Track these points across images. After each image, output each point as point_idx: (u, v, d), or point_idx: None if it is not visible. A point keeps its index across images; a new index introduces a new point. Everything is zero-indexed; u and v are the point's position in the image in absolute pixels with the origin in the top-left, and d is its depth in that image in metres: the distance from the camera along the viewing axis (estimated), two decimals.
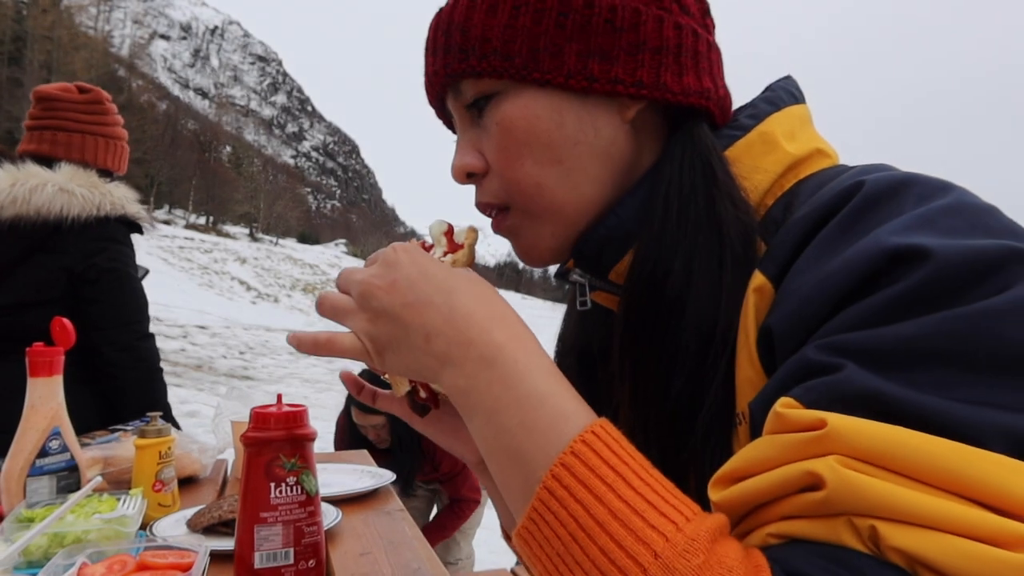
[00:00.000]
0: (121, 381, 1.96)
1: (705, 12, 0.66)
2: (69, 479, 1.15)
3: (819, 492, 0.40)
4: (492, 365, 0.51)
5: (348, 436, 2.97)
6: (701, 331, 0.57)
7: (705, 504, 0.48)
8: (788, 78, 0.68)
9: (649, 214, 0.61)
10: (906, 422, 0.39)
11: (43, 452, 1.13)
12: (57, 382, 1.16)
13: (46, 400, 1.14)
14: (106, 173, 2.10)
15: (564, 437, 0.46)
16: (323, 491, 0.94)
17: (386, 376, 0.63)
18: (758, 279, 0.53)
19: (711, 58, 0.64)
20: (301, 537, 0.86)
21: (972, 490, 0.38)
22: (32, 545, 0.91)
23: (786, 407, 0.43)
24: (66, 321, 1.21)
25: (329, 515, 1.21)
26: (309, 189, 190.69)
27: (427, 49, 0.66)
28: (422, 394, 0.65)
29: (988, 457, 0.38)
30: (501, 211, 0.66)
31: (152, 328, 2.08)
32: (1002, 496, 0.37)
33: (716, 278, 0.56)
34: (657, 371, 0.59)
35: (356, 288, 0.57)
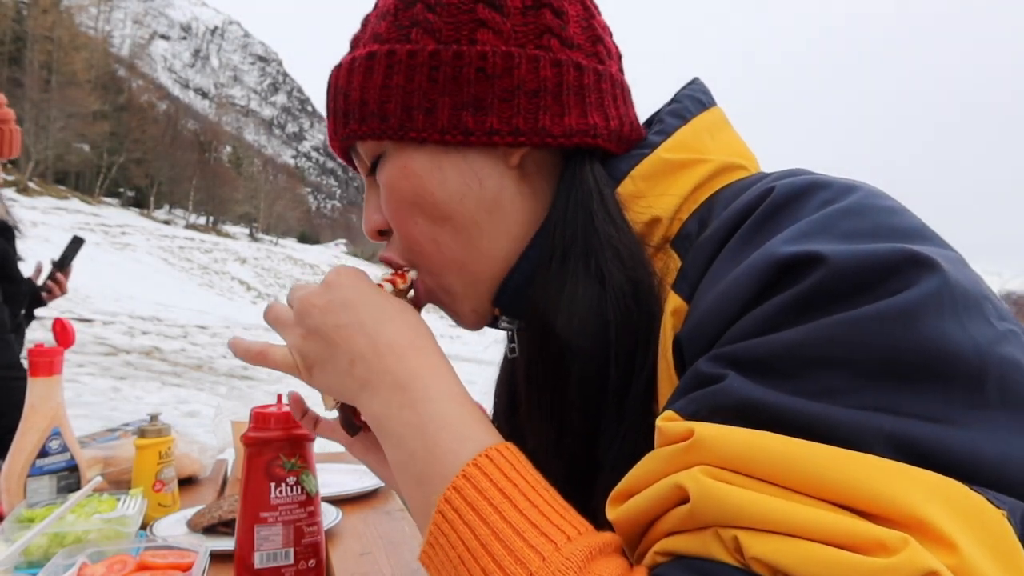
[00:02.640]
0: None
1: (595, 40, 0.62)
2: (69, 479, 1.15)
3: (687, 505, 0.39)
4: (404, 390, 0.52)
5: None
6: (591, 381, 0.56)
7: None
8: (695, 82, 0.66)
9: (540, 264, 0.60)
10: (784, 430, 0.38)
11: (43, 452, 1.13)
12: (57, 382, 1.16)
13: (46, 400, 1.14)
14: None
15: (461, 460, 0.47)
16: (323, 491, 0.94)
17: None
18: (674, 301, 0.52)
19: (600, 88, 0.61)
20: (301, 537, 0.86)
21: (837, 494, 0.37)
22: (32, 545, 0.91)
23: (665, 420, 0.43)
24: (66, 321, 1.21)
25: (329, 515, 1.21)
26: (309, 189, 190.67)
27: (326, 111, 0.66)
28: (363, 416, 0.63)
29: (857, 459, 0.37)
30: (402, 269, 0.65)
31: (152, 328, 2.06)
32: (869, 499, 0.36)
33: (601, 329, 0.55)
34: (552, 420, 0.59)
35: (297, 303, 0.58)
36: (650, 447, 0.54)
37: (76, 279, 2.55)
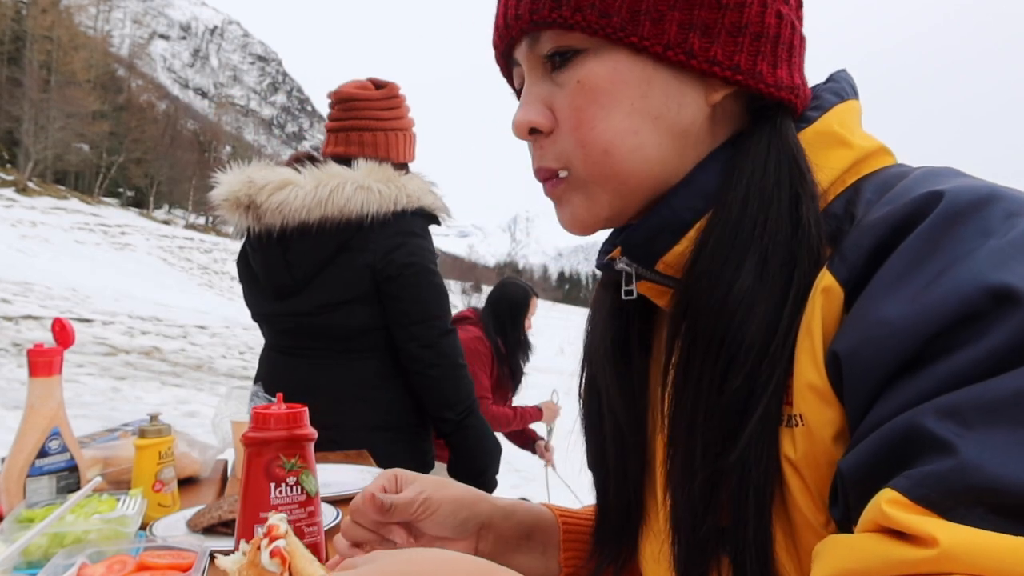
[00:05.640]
0: (424, 377, 1.93)
1: (800, 3, 0.63)
2: (69, 479, 1.15)
3: None
4: None
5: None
6: (765, 331, 0.53)
7: (743, 510, 0.51)
8: (845, 71, 0.66)
9: (723, 207, 0.57)
10: None
11: (43, 452, 1.13)
12: (56, 382, 1.15)
13: (46, 400, 1.14)
14: (402, 166, 2.04)
15: None
16: (323, 491, 0.94)
17: None
18: (826, 279, 0.50)
19: (801, 52, 0.61)
20: (301, 537, 0.86)
21: None
22: (32, 545, 0.91)
23: (892, 505, 0.39)
24: (66, 321, 1.20)
25: (329, 515, 1.21)
26: None
27: None
28: None
29: None
30: (556, 176, 0.62)
31: (152, 328, 2.05)
32: None
33: (787, 280, 0.53)
34: (712, 370, 0.56)
35: None
36: (776, 414, 0.52)
37: (75, 278, 2.54)
